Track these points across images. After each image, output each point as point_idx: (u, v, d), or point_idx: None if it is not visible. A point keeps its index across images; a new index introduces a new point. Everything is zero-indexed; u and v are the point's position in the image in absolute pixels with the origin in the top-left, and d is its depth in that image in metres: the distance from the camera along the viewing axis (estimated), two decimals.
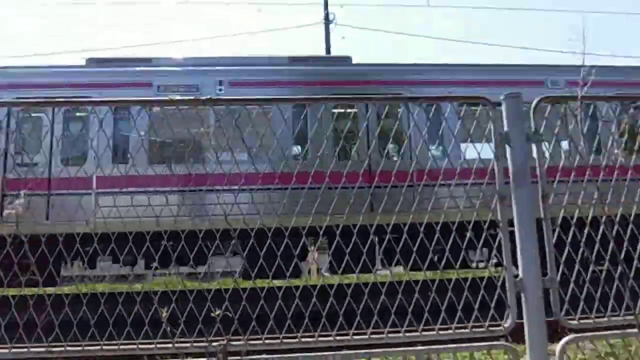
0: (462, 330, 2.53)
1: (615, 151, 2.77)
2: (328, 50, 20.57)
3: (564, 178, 2.70)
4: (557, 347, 2.58)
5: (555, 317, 2.60)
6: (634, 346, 2.68)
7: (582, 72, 2.60)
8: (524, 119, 2.65)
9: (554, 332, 2.73)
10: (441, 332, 2.50)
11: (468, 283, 2.58)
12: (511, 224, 2.56)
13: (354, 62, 11.04)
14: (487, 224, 2.57)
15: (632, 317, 2.69)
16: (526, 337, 2.54)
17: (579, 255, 2.64)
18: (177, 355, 2.57)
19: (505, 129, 2.63)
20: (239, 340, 2.47)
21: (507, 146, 2.62)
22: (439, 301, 2.54)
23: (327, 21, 21.09)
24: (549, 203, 2.60)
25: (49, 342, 2.44)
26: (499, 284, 2.54)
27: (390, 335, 2.47)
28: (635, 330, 2.58)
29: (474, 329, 2.51)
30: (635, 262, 2.79)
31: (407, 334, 2.48)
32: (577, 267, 2.60)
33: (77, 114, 9.86)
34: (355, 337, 2.47)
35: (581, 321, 2.65)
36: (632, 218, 2.84)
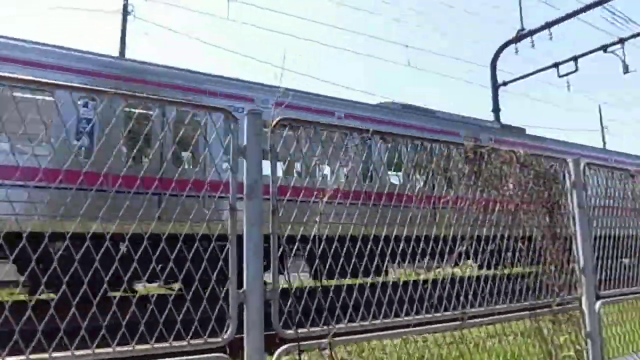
0: (181, 344, 2.45)
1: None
2: (123, 41, 19.21)
3: (297, 197, 2.87)
4: (273, 357, 2.69)
5: (274, 328, 2.72)
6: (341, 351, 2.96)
7: (277, 94, 2.82)
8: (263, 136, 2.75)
9: (275, 344, 2.84)
10: (156, 345, 2.38)
11: (190, 295, 2.53)
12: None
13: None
14: (215, 237, 2.58)
15: (343, 326, 2.97)
16: (245, 349, 2.59)
17: (322, 267, 2.82)
18: None
19: (244, 143, 2.69)
20: None
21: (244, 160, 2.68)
22: (158, 314, 2.42)
23: (125, 12, 19.72)
24: (277, 218, 2.73)
25: None
26: (222, 295, 2.55)
27: (118, 349, 2.27)
28: (340, 338, 2.85)
29: (192, 342, 2.46)
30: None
31: (119, 349, 2.30)
32: (322, 279, 2.77)
33: None
34: (77, 352, 2.20)
35: (299, 331, 2.82)
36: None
